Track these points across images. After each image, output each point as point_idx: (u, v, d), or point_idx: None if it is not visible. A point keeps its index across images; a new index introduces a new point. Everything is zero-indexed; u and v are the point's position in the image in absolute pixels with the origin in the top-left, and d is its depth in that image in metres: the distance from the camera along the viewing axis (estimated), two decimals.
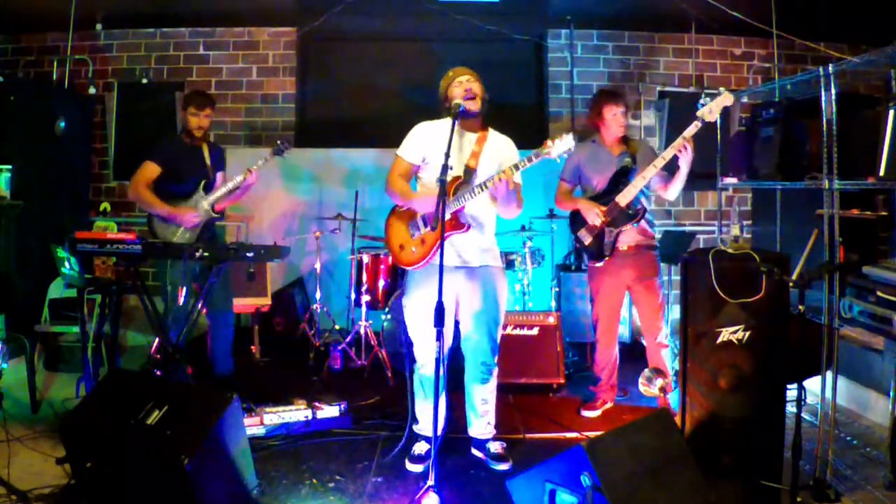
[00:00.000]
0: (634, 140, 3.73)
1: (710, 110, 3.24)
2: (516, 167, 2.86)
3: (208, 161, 3.89)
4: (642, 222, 3.60)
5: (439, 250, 2.60)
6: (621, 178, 3.56)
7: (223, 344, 4.00)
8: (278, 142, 3.88)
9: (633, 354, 4.63)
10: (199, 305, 3.29)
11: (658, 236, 3.76)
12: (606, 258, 3.62)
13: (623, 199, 3.51)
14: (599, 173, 3.68)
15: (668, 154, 3.36)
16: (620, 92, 3.84)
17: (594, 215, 3.58)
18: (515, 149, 3.14)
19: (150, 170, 3.73)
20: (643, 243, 3.64)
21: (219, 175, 4.00)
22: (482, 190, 2.90)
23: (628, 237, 3.61)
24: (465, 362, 3.19)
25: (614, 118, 3.64)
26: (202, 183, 3.85)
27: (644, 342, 3.84)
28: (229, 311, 4.05)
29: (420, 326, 3.04)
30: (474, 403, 3.19)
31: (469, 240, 3.01)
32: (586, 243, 3.68)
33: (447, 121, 3.01)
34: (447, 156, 2.69)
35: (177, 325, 3.36)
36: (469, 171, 2.98)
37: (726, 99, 3.21)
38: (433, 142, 3.01)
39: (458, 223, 2.95)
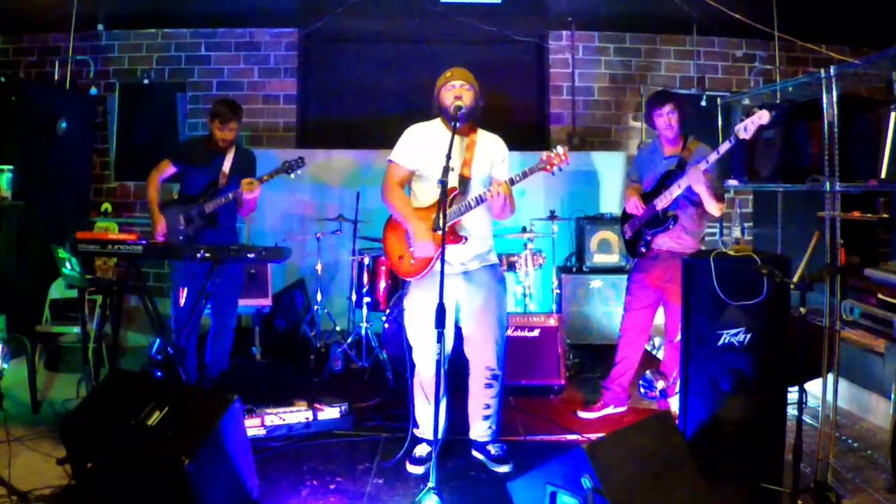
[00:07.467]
0: (695, 143, 3.57)
1: (744, 128, 3.13)
2: (511, 182, 2.91)
3: (226, 168, 3.89)
4: (682, 232, 3.55)
5: (440, 257, 2.62)
6: (664, 181, 3.54)
7: (224, 345, 4.00)
8: (292, 161, 3.91)
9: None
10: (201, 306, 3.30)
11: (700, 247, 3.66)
12: (639, 256, 3.68)
13: (660, 203, 3.51)
14: (649, 173, 3.69)
15: (701, 166, 3.30)
16: (668, 92, 3.74)
17: (633, 204, 3.62)
18: (504, 147, 3.16)
19: (164, 167, 3.88)
20: (677, 250, 3.55)
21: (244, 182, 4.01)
22: (478, 204, 2.94)
23: (664, 241, 3.60)
24: (469, 366, 3.17)
25: (661, 119, 3.57)
26: (209, 189, 3.85)
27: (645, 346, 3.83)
28: (234, 314, 4.05)
29: (420, 330, 3.05)
30: (477, 407, 3.17)
31: (467, 249, 3.03)
32: (626, 238, 3.78)
33: (437, 122, 3.12)
34: (448, 157, 2.71)
35: (179, 325, 3.35)
36: (464, 181, 3.01)
37: (762, 117, 3.09)
38: (427, 149, 3.03)
39: (457, 236, 2.98)
